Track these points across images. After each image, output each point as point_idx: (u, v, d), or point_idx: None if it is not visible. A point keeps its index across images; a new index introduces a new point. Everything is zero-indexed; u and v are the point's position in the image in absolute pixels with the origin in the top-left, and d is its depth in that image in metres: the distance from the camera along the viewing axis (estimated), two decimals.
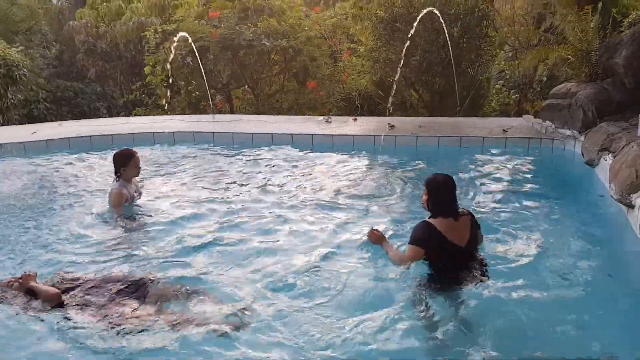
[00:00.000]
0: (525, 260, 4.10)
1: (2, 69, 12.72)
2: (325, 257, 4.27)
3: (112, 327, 3.31)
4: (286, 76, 13.20)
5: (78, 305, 3.53)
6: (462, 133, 8.24)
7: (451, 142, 8.01)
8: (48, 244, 4.74)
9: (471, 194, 5.86)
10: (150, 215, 5.30)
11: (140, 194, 5.67)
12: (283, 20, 12.49)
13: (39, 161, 7.69)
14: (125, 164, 5.34)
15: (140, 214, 5.35)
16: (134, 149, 5.61)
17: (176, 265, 4.17)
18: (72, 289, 3.68)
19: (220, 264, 4.20)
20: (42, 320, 3.39)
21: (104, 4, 17.03)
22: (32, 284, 3.61)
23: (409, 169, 6.98)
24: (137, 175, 5.54)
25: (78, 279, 3.82)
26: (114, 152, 5.57)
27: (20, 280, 3.66)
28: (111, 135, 8.85)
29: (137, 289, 3.68)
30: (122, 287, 3.69)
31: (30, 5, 17.96)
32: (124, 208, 5.28)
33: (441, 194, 3.93)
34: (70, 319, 3.39)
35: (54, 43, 17.64)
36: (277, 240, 4.66)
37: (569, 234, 4.71)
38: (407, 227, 4.88)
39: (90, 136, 8.78)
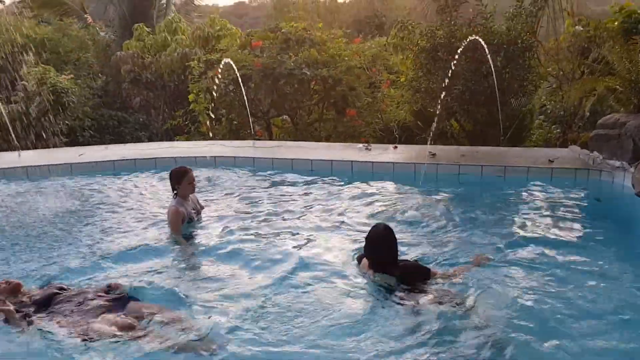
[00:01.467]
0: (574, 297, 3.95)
1: (52, 95, 13.23)
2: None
3: (79, 338, 3.35)
4: (325, 105, 13.29)
5: (51, 313, 3.60)
6: (506, 162, 8.07)
7: (495, 172, 7.84)
8: (83, 257, 4.86)
9: (515, 225, 5.70)
10: (204, 238, 5.32)
11: (198, 212, 5.73)
12: (324, 50, 12.64)
13: (85, 182, 7.90)
14: (180, 181, 5.43)
15: (197, 235, 5.39)
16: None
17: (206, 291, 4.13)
18: (52, 297, 3.74)
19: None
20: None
21: (150, 36, 17.63)
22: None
23: (451, 197, 6.85)
24: (192, 192, 5.61)
25: (63, 289, 3.88)
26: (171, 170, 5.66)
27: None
28: (154, 158, 9.02)
29: (117, 304, 3.70)
30: (103, 301, 3.70)
31: (80, 36, 18.73)
32: (181, 228, 5.33)
33: (375, 245, 4.07)
34: (40, 328, 3.46)
35: (100, 75, 18.27)
36: (317, 269, 4.56)
37: (620, 269, 4.49)
38: (446, 255, 4.80)
39: (135, 159, 8.97)
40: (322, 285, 4.17)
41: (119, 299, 3.75)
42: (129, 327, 3.43)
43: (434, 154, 8.60)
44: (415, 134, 11.99)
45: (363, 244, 4.28)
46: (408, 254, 4.78)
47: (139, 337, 3.36)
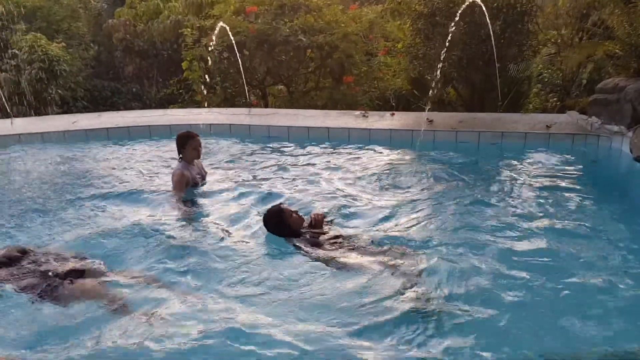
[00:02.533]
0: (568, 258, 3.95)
1: (44, 64, 13.02)
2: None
3: (37, 299, 3.37)
4: (321, 73, 13.13)
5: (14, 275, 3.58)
6: (503, 129, 8.02)
7: (492, 138, 7.79)
8: (76, 221, 4.86)
9: (513, 191, 5.67)
10: (208, 204, 5.30)
11: (203, 177, 5.72)
12: (320, 17, 12.42)
13: (78, 150, 7.82)
14: (184, 145, 5.44)
15: (201, 200, 5.36)
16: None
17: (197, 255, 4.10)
18: (19, 260, 3.71)
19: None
20: None
21: (142, 2, 17.27)
22: None
23: (448, 164, 6.81)
24: (197, 158, 5.60)
25: (25, 251, 3.84)
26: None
27: None
28: (149, 126, 8.91)
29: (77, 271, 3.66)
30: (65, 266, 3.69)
31: (72, 4, 18.33)
32: (185, 191, 5.35)
33: (265, 224, 4.31)
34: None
35: (92, 45, 17.96)
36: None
37: (616, 233, 4.47)
38: (439, 220, 4.79)
39: (129, 127, 8.86)
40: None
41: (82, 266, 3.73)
42: (86, 292, 3.44)
43: (431, 121, 8.53)
44: (412, 102, 11.88)
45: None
46: (400, 219, 4.78)
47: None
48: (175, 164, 5.79)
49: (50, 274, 3.57)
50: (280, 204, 4.51)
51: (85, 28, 17.84)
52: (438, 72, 8.55)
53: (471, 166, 6.77)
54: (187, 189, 5.40)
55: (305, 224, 4.37)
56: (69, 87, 14.67)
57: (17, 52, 13.38)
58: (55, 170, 6.84)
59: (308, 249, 4.04)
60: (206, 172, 5.91)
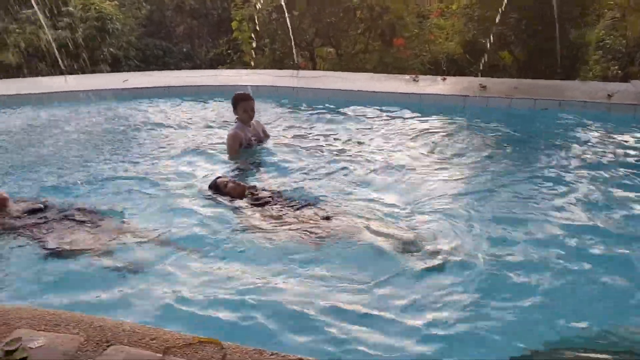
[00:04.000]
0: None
1: (97, 22, 13.21)
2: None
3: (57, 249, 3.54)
4: (371, 35, 12.81)
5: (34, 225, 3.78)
6: (561, 96, 7.65)
7: (549, 106, 7.45)
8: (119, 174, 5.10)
9: (569, 163, 5.41)
10: (261, 165, 5.34)
11: (260, 140, 5.73)
12: None
13: (127, 107, 7.98)
14: (236, 106, 5.51)
15: (255, 161, 5.40)
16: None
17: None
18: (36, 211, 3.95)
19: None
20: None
21: None
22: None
23: (500, 132, 6.58)
24: (248, 120, 5.59)
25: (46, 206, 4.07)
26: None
27: None
28: (198, 86, 8.98)
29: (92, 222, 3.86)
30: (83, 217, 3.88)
31: None
32: (239, 151, 5.43)
33: None
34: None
35: (144, 3, 18.07)
36: (355, 199, 4.48)
37: None
38: (488, 191, 4.64)
39: (179, 86, 8.95)
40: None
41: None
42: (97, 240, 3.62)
43: (484, 87, 8.22)
44: (465, 67, 11.48)
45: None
46: (446, 188, 4.67)
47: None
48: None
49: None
50: (218, 177, 4.55)
51: None
52: (492, 35, 8.19)
53: (525, 135, 6.51)
54: (241, 149, 5.46)
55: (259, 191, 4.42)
56: (121, 45, 14.86)
57: (71, 9, 13.60)
58: (104, 127, 7.03)
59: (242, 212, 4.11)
60: (267, 135, 5.93)
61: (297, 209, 4.08)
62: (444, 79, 9.16)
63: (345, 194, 4.59)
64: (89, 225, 3.81)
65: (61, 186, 4.87)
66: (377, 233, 3.70)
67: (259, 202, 4.20)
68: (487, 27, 9.25)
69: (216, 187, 4.39)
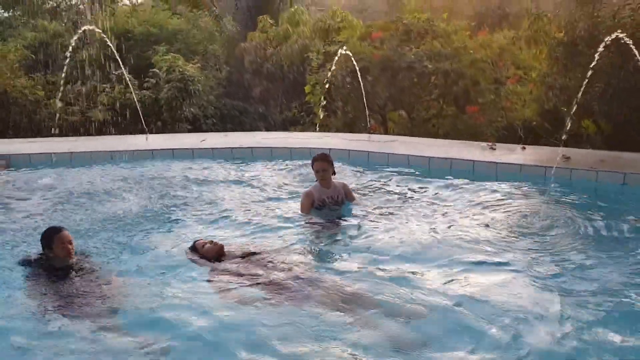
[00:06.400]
0: None
1: (180, 83, 13.93)
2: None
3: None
4: (445, 100, 12.69)
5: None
6: None
7: None
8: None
9: None
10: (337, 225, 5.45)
11: (337, 202, 5.75)
12: (447, 43, 12.05)
13: (204, 166, 8.22)
14: (312, 166, 5.72)
15: (327, 223, 5.46)
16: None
17: None
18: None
19: None
20: None
21: (273, 27, 17.98)
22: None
23: (585, 209, 6.09)
24: (320, 180, 5.70)
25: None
26: None
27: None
28: (270, 148, 9.11)
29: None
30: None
31: (209, 28, 19.54)
32: (311, 211, 5.61)
33: None
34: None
35: (224, 66, 19.02)
36: (429, 271, 4.31)
37: None
38: (575, 271, 4.29)
39: (252, 147, 9.13)
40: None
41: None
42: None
43: (567, 158, 7.79)
44: (542, 135, 11.05)
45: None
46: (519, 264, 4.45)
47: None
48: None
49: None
50: (196, 240, 4.75)
51: (220, 50, 18.93)
52: (576, 104, 7.82)
53: (614, 213, 6.01)
54: (312, 208, 5.61)
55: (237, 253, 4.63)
56: (201, 105, 15.55)
57: (157, 71, 14.43)
58: (181, 184, 7.24)
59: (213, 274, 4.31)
60: (350, 198, 5.95)
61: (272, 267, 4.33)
62: (524, 148, 8.81)
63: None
64: None
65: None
66: None
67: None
68: (568, 96, 8.89)
69: (193, 248, 4.65)
